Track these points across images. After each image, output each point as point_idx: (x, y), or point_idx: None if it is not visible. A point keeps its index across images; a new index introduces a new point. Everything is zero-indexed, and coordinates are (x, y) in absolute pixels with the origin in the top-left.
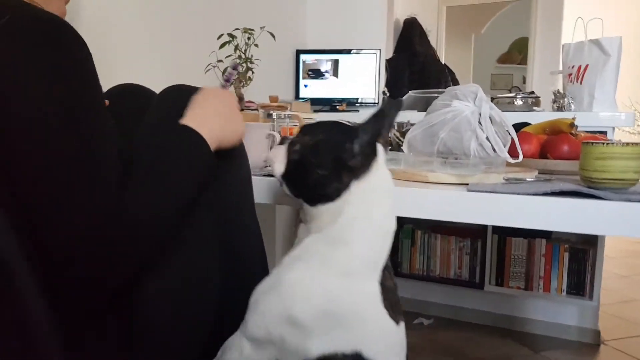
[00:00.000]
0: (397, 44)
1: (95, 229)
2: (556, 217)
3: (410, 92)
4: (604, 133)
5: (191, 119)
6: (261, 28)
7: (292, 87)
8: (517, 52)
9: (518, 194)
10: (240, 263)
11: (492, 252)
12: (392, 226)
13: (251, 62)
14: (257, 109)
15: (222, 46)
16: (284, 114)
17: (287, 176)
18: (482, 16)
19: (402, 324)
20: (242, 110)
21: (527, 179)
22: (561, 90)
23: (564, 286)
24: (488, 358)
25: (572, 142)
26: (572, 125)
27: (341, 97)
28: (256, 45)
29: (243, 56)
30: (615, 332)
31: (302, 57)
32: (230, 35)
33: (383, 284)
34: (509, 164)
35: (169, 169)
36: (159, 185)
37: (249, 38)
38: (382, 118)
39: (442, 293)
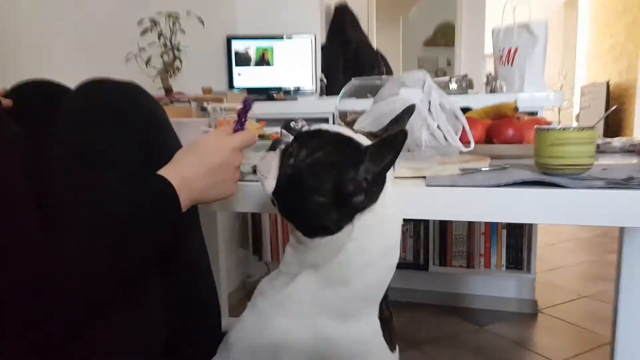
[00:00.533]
0: (329, 31)
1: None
2: (520, 209)
3: (353, 80)
4: (535, 113)
5: (176, 171)
6: (187, 13)
7: (224, 77)
8: (442, 36)
9: (479, 186)
10: (189, 306)
11: (435, 233)
12: (397, 258)
13: (178, 50)
14: (188, 102)
15: (143, 32)
16: (220, 107)
17: (279, 195)
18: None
19: (397, 348)
20: (171, 102)
21: (483, 168)
22: (492, 73)
23: (503, 261)
24: (436, 337)
25: (516, 126)
26: (516, 109)
27: (278, 86)
28: (182, 31)
29: (168, 44)
30: (549, 300)
31: (234, 43)
32: (152, 20)
33: (381, 317)
34: (460, 153)
35: (129, 228)
36: (110, 236)
37: (173, 23)
38: (393, 144)
39: None
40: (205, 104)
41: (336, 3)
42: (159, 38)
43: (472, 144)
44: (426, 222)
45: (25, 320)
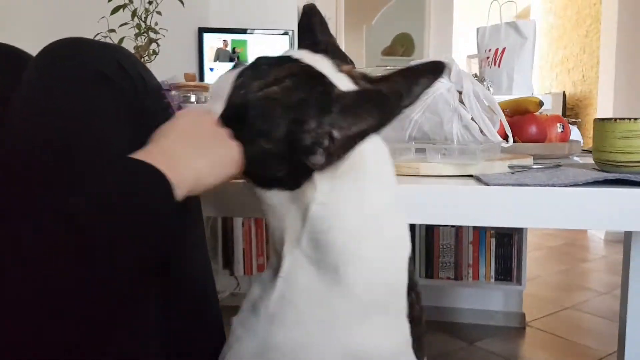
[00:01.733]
0: (297, 32)
1: None
2: (608, 213)
3: (376, 68)
4: None
5: (159, 151)
6: None
7: (195, 71)
8: (399, 46)
9: (553, 185)
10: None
11: (421, 242)
12: (403, 229)
13: (155, 32)
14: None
15: (114, 11)
16: (206, 96)
17: (228, 125)
18: (373, 8)
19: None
20: None
21: (534, 166)
22: (478, 74)
23: (492, 272)
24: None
25: (539, 122)
26: (540, 104)
27: None
28: (159, 12)
29: (143, 25)
30: (534, 312)
31: (206, 36)
32: None
33: (411, 316)
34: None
35: (100, 235)
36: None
37: (150, 2)
38: (381, 103)
39: None
40: (190, 93)
41: (304, 3)
42: (132, 18)
43: (511, 140)
44: (411, 229)
45: None
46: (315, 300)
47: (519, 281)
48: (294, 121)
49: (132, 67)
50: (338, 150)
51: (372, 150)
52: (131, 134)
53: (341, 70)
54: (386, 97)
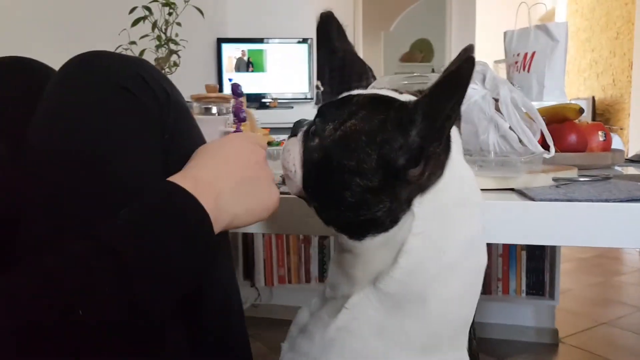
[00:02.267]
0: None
1: None
2: None
3: (394, 76)
4: None
5: (206, 187)
6: (185, 1)
7: (214, 81)
8: (418, 52)
9: (606, 201)
10: None
11: None
12: (485, 257)
13: (176, 44)
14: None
15: (135, 23)
16: (227, 108)
17: (311, 189)
18: (391, 14)
19: None
20: None
21: (581, 179)
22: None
23: (523, 287)
24: None
25: (579, 131)
26: (580, 111)
27: (271, 93)
28: (179, 24)
29: (163, 36)
30: (567, 328)
31: (225, 46)
32: (146, 8)
33: (470, 351)
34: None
35: (133, 271)
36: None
37: (170, 14)
38: (455, 83)
39: None
40: (210, 104)
41: (322, 12)
42: (152, 29)
43: (552, 150)
44: None
45: None
46: (378, 331)
47: (551, 296)
48: (381, 144)
49: (154, 80)
50: (434, 151)
51: (467, 171)
52: (154, 147)
53: (402, 93)
54: (460, 72)
